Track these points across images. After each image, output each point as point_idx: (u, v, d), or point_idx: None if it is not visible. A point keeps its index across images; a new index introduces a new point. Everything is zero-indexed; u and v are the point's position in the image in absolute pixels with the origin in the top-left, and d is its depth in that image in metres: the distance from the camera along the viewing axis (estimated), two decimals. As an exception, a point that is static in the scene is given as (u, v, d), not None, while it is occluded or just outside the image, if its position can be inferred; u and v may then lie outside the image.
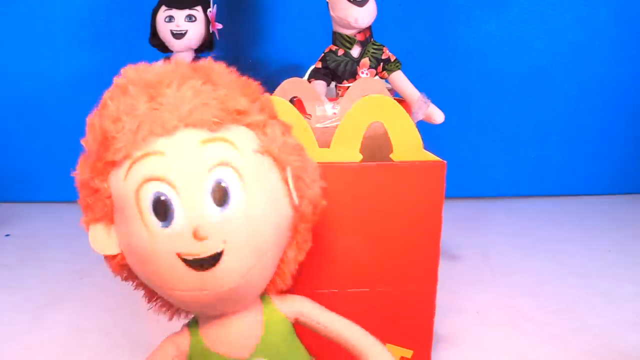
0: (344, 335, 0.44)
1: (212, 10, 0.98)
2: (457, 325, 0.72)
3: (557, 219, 1.17)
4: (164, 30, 0.95)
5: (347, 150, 0.53)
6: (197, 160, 0.35)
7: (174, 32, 0.95)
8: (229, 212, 0.35)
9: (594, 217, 1.18)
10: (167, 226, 0.35)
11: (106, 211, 0.38)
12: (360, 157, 0.54)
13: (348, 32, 0.88)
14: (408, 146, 0.53)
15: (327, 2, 0.89)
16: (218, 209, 0.35)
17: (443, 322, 0.72)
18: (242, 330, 0.41)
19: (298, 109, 0.77)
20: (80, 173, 0.38)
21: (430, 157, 0.54)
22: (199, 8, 0.97)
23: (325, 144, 0.59)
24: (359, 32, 0.88)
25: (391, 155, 0.54)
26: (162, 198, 0.35)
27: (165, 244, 0.35)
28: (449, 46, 1.23)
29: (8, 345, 0.68)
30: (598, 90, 1.26)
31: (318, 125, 0.72)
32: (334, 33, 0.90)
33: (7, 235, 1.09)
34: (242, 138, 0.38)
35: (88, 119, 0.39)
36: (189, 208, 0.35)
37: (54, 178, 1.25)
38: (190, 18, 0.95)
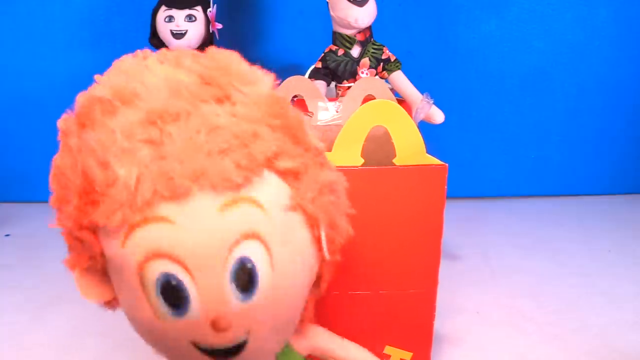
0: None
1: (212, 10, 0.98)
2: (457, 325, 0.72)
3: (557, 219, 1.17)
4: (164, 30, 0.95)
5: (348, 154, 0.53)
6: (217, 233, 0.28)
7: (174, 32, 0.95)
8: (255, 300, 0.29)
9: (594, 217, 1.18)
10: (179, 315, 0.28)
11: (96, 266, 0.31)
12: (362, 161, 0.54)
13: (348, 32, 0.88)
14: (411, 151, 0.53)
15: (327, 2, 0.89)
16: (241, 295, 0.29)
17: (443, 323, 0.72)
18: None
19: (300, 107, 0.77)
20: (57, 216, 0.31)
21: (433, 160, 0.54)
22: (199, 8, 0.97)
23: (327, 142, 0.59)
24: (359, 32, 0.88)
25: (394, 160, 0.54)
26: (173, 283, 0.28)
27: (176, 332, 0.29)
28: (449, 46, 1.23)
29: (8, 345, 0.68)
30: (598, 90, 1.26)
31: (319, 123, 0.72)
32: (334, 33, 0.90)
33: (7, 235, 1.09)
34: (270, 193, 0.29)
35: (61, 128, 0.31)
36: (207, 296, 0.28)
37: (54, 178, 1.25)
38: (190, 18, 0.95)
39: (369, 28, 0.90)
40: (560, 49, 1.23)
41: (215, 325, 0.28)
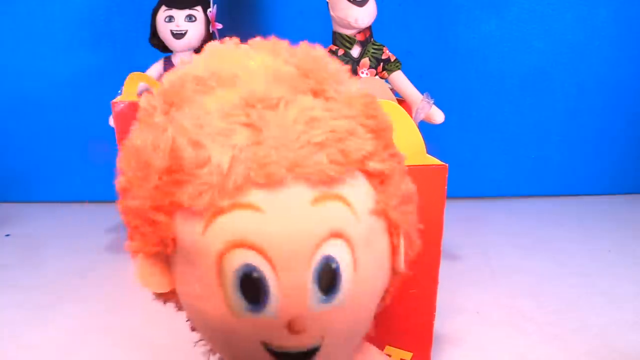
0: None
1: (212, 10, 0.98)
2: (457, 325, 0.72)
3: (557, 219, 1.17)
4: (164, 30, 0.95)
5: None
6: (306, 227, 0.26)
7: (174, 32, 0.95)
8: (335, 303, 0.27)
9: (594, 217, 1.18)
10: (255, 311, 0.27)
11: (164, 252, 0.29)
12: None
13: (348, 32, 0.88)
14: (411, 151, 0.53)
15: (327, 2, 0.89)
16: (322, 297, 0.27)
17: (443, 323, 0.72)
18: None
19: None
20: (132, 194, 0.28)
21: (433, 160, 0.54)
22: (199, 8, 0.97)
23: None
24: (359, 32, 0.88)
25: None
26: (255, 275, 0.26)
27: (249, 329, 0.27)
28: (449, 46, 1.23)
29: (8, 345, 0.68)
30: (598, 90, 1.26)
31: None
32: (334, 33, 0.90)
33: (7, 235, 1.09)
34: (359, 194, 0.28)
35: (142, 105, 0.29)
36: (288, 294, 0.26)
37: (53, 178, 1.25)
38: (190, 18, 0.95)
39: (369, 28, 0.90)
40: (560, 49, 1.23)
41: (291, 327, 0.27)
